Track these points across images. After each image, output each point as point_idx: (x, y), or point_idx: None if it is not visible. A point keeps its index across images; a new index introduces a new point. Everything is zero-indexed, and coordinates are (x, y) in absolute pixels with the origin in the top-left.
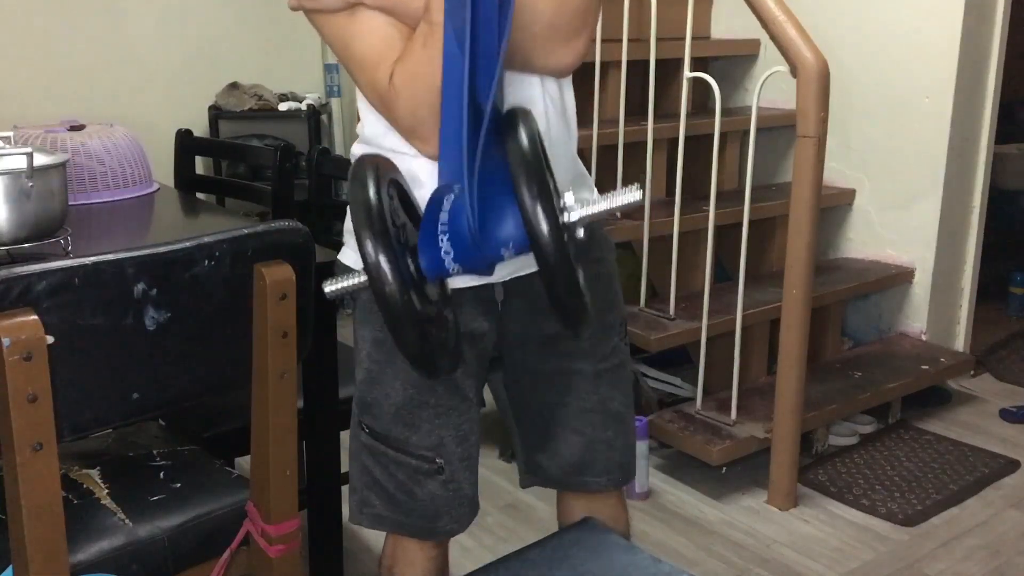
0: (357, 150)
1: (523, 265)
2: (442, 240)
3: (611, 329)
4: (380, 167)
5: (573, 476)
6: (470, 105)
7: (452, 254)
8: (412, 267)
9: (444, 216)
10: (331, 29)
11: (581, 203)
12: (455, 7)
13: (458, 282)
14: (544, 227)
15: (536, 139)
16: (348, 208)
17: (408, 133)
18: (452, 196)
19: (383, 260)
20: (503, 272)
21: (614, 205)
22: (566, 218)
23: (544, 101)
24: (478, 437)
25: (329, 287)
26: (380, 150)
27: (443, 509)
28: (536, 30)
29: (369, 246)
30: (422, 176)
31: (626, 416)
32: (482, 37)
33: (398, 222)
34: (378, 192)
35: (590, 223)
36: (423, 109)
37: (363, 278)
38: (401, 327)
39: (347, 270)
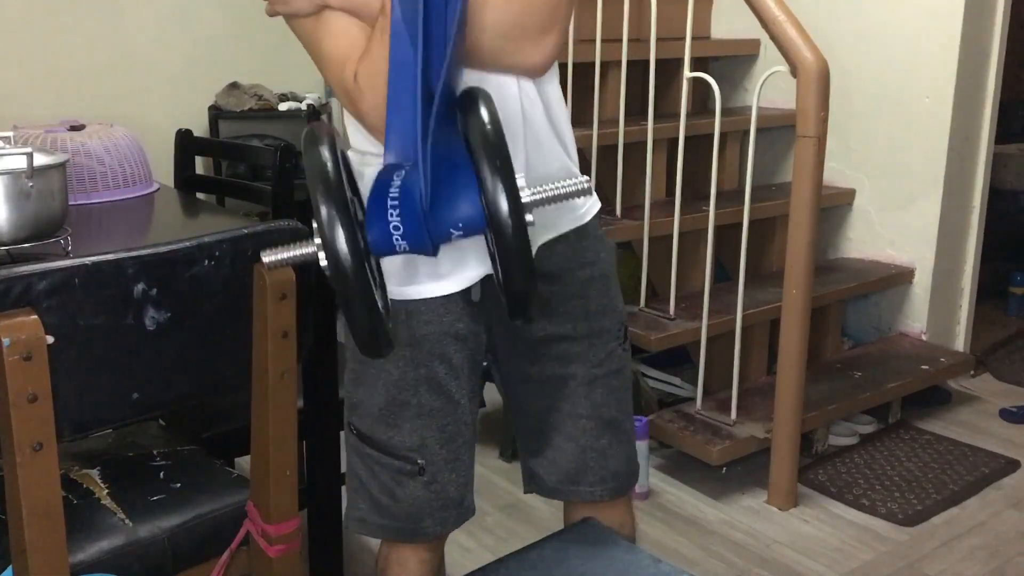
0: (353, 157)
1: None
2: (392, 215)
3: (607, 334)
4: (335, 136)
5: (567, 485)
6: (423, 88)
7: (401, 230)
8: (362, 240)
9: (395, 191)
10: (303, 32)
11: (532, 188)
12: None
13: (436, 289)
14: (504, 202)
15: (496, 117)
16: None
17: (374, 130)
18: (403, 172)
19: (341, 229)
20: (477, 271)
21: (564, 192)
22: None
23: (521, 101)
24: (469, 439)
25: (269, 257)
26: (366, 154)
27: (425, 511)
28: (502, 28)
29: (325, 213)
30: None
31: (622, 424)
32: (434, 19)
33: (349, 195)
34: (335, 159)
35: (577, 228)
36: (385, 107)
37: (307, 249)
38: (354, 302)
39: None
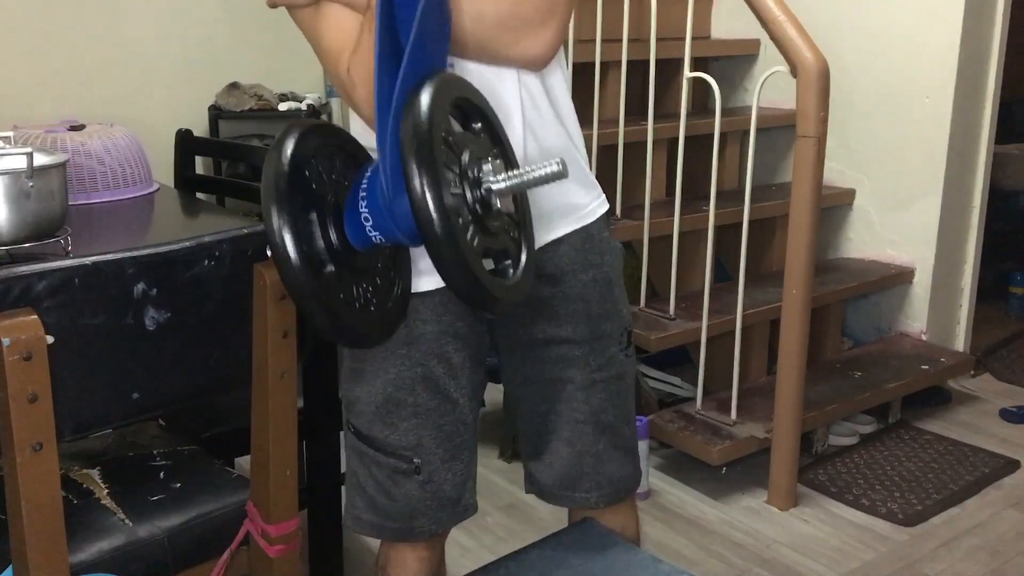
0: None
1: None
2: (361, 206)
3: (608, 338)
4: (312, 134)
5: (564, 491)
6: (388, 67)
7: (371, 221)
8: (336, 237)
9: (365, 183)
10: (303, 23)
11: (501, 173)
12: None
13: (430, 283)
14: (429, 207)
15: (431, 113)
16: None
17: (369, 122)
18: (370, 170)
19: (286, 234)
20: None
21: (535, 176)
22: (480, 192)
23: (520, 95)
24: (468, 438)
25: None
26: (370, 149)
27: (420, 510)
28: (500, 19)
29: (273, 218)
30: None
31: (621, 430)
32: (404, 10)
33: (326, 188)
34: (294, 160)
35: (581, 229)
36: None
37: None
38: (304, 302)
39: None
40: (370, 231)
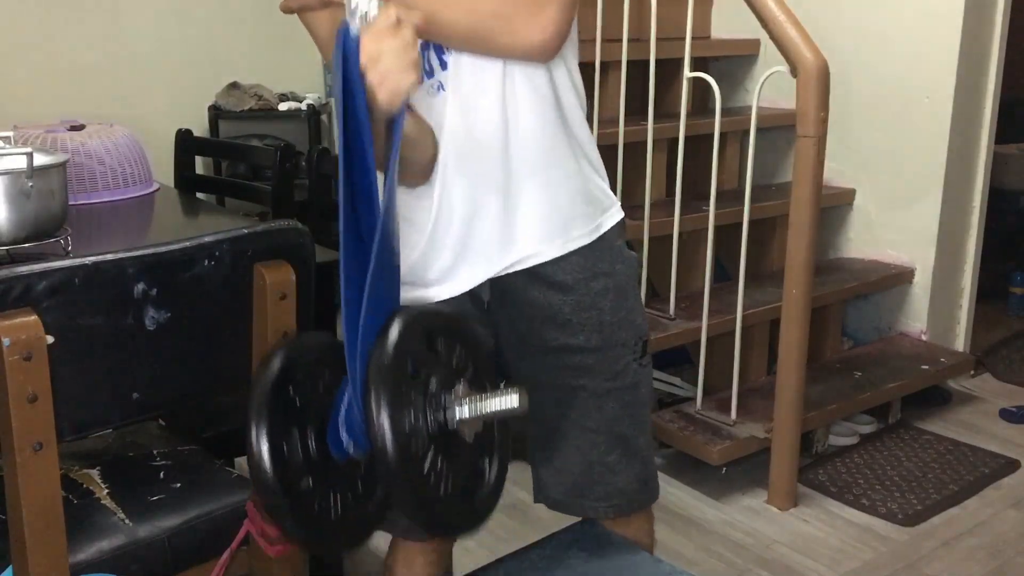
0: None
1: (510, 263)
2: (341, 425)
3: (622, 347)
4: (295, 349)
5: (572, 498)
6: (356, 292)
7: (353, 447)
8: (315, 447)
9: (343, 414)
10: (313, 29)
11: (468, 401)
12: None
13: (441, 292)
14: (385, 443)
15: (400, 348)
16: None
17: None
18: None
19: (264, 453)
20: (486, 270)
21: (495, 409)
22: (440, 417)
23: (503, 89)
24: None
25: None
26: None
27: None
28: (494, 8)
29: (252, 435)
30: (404, 212)
31: (634, 441)
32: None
33: (310, 403)
34: (281, 376)
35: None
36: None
37: None
38: (280, 518)
39: None
40: (347, 445)
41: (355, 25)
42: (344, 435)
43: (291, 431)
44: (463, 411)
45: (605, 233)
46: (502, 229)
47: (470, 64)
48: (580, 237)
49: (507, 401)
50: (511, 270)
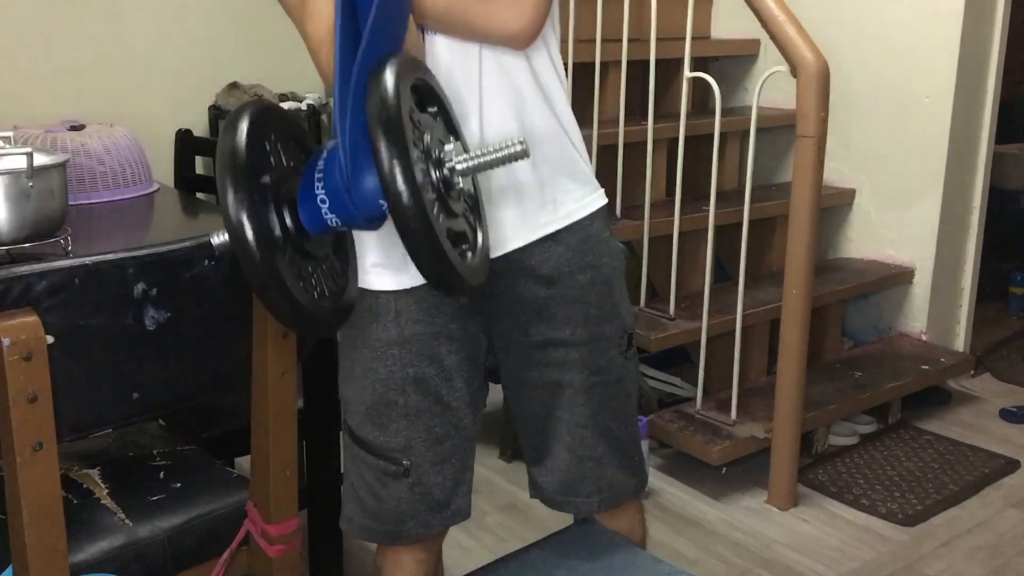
0: None
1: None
2: (318, 188)
3: (607, 341)
4: (264, 115)
5: (565, 496)
6: (350, 49)
7: (327, 203)
8: (290, 221)
9: (321, 164)
10: (291, 11)
11: (466, 153)
12: None
13: (402, 278)
14: (400, 187)
15: (397, 89)
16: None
17: None
18: (327, 152)
19: (244, 218)
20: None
21: (497, 156)
22: (442, 172)
23: (480, 75)
24: (461, 442)
25: (217, 239)
26: None
27: (408, 513)
28: None
29: (230, 200)
30: None
31: (621, 434)
32: None
33: (277, 172)
34: (250, 141)
35: (576, 226)
36: None
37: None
38: (266, 289)
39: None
40: (326, 213)
41: None
42: (325, 208)
43: (265, 196)
44: (466, 162)
45: (589, 220)
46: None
47: (445, 46)
48: (556, 221)
49: (510, 149)
50: (498, 253)
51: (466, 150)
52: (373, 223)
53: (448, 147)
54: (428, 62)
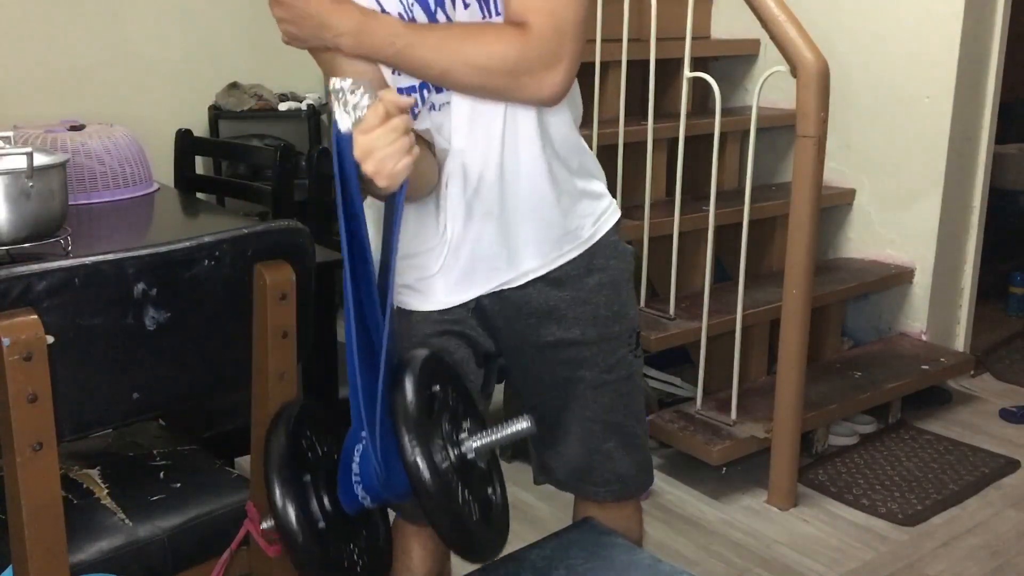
0: None
1: (502, 282)
2: (357, 489)
3: (617, 340)
4: (296, 415)
5: (575, 480)
6: (365, 355)
7: (368, 499)
8: (328, 502)
9: (356, 467)
10: (322, 63)
11: (475, 434)
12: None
13: (426, 304)
14: (423, 477)
15: (418, 392)
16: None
17: None
18: (361, 446)
19: (290, 509)
20: (484, 287)
21: (507, 434)
22: (459, 451)
23: (504, 124)
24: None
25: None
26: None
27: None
28: (506, 67)
29: (276, 492)
30: (407, 227)
31: (630, 429)
32: (359, 265)
33: (314, 457)
34: (292, 439)
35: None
36: None
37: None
38: (307, 569)
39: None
40: (368, 503)
41: (341, 116)
42: (359, 489)
43: (308, 493)
44: (478, 442)
45: (600, 237)
46: (499, 251)
47: (466, 116)
48: (577, 247)
49: (518, 426)
50: (508, 286)
51: (479, 419)
52: (406, 498)
53: (464, 430)
54: (452, 123)
